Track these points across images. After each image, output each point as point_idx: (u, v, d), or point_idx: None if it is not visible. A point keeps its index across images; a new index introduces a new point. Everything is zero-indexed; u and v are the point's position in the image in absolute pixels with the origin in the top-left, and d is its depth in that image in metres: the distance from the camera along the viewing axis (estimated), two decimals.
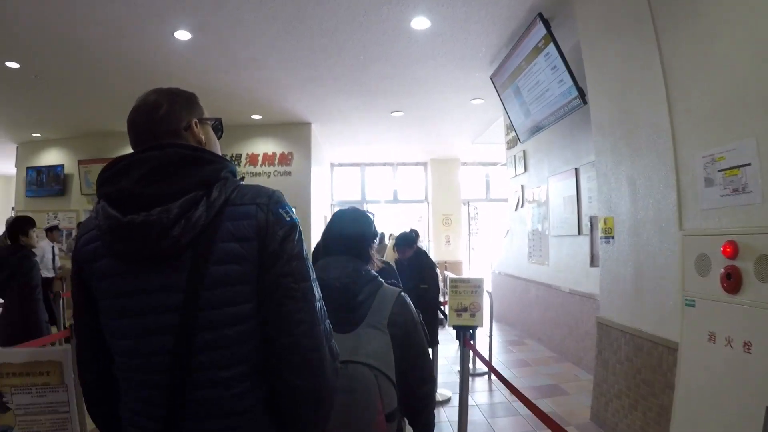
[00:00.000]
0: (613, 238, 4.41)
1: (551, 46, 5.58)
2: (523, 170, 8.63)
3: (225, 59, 6.98)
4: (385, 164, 15.93)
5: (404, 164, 16.00)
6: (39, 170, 11.77)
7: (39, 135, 11.43)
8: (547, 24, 5.57)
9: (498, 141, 11.64)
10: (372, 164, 15.94)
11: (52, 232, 8.71)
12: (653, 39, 3.76)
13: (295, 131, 10.98)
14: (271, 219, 1.26)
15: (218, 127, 1.53)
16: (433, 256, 14.24)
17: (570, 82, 5.48)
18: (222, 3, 5.41)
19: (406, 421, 1.96)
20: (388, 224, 15.46)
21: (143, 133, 1.32)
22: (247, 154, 10.99)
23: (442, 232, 15.14)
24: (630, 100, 4.14)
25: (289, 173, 10.93)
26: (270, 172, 10.92)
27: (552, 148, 7.38)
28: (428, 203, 15.76)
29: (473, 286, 4.00)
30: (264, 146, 11.03)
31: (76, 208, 11.58)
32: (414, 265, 5.44)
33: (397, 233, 6.13)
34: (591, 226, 4.87)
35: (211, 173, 1.25)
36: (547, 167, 7.55)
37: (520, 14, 5.74)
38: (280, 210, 1.29)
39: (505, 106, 7.37)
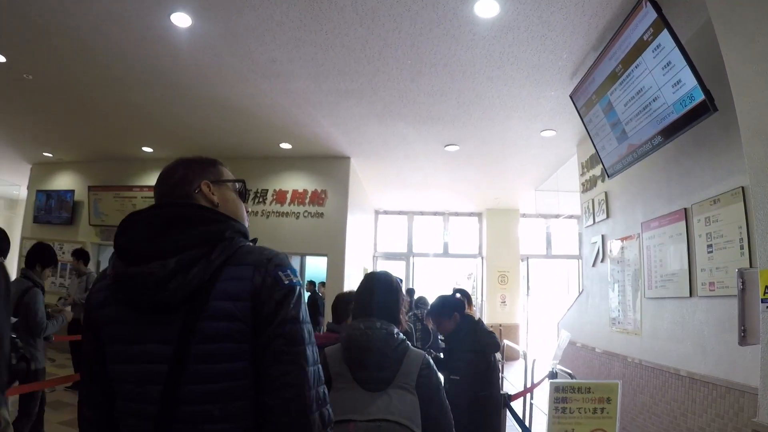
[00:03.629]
0: None
1: (664, 34, 4.11)
2: (604, 216, 7.02)
3: (238, 60, 5.71)
4: (435, 213, 14.57)
5: (457, 214, 14.59)
6: (49, 194, 10.85)
7: (51, 155, 10.54)
8: (657, 6, 4.11)
9: (564, 188, 10.17)
10: (421, 213, 14.60)
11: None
12: None
13: (332, 166, 9.62)
14: (267, 281, 1.30)
15: (242, 190, 1.60)
16: (486, 318, 12.59)
17: (693, 81, 3.99)
18: None
19: None
20: (438, 281, 14.02)
21: (160, 198, 1.45)
22: (274, 191, 9.67)
23: (497, 291, 13.44)
24: None
25: (321, 215, 9.53)
26: (299, 213, 9.55)
27: (647, 185, 5.79)
28: (482, 258, 14.18)
29: (598, 401, 2.30)
30: (294, 182, 9.70)
31: (83, 239, 10.48)
32: (460, 340, 3.70)
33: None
34: (743, 283, 3.25)
35: (213, 232, 1.33)
36: (641, 210, 5.94)
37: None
38: (279, 273, 1.32)
39: (590, 131, 5.86)
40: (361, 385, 1.93)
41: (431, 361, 2.07)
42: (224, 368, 1.24)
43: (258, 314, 1.27)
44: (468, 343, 3.60)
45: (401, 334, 2.07)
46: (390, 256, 14.57)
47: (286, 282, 1.31)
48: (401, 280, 2.35)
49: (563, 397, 2.35)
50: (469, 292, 13.66)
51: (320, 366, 1.36)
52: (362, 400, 1.88)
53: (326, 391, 1.35)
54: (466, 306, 3.88)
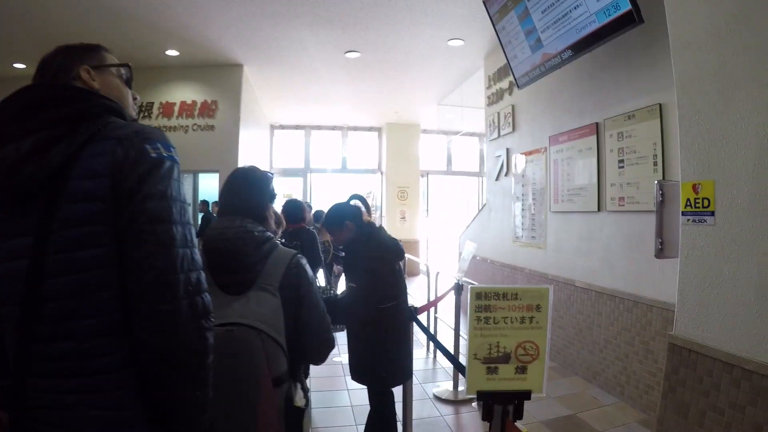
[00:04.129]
0: (712, 214, 2.75)
1: None
2: (510, 130, 6.94)
3: None
4: (333, 128, 14.06)
5: (356, 129, 14.17)
6: None
7: None
8: None
9: (468, 104, 10.02)
10: (319, 127, 14.03)
11: None
12: None
13: (223, 75, 8.84)
14: (131, 155, 1.17)
15: (127, 75, 1.49)
16: None
17: None
18: None
19: (299, 386, 1.87)
20: (337, 197, 13.73)
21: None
22: (161, 103, 8.80)
23: (397, 207, 13.40)
24: None
25: (212, 127, 8.83)
26: (188, 126, 8.79)
27: (557, 98, 5.70)
28: (382, 174, 13.99)
29: (526, 308, 2.01)
30: (182, 93, 8.86)
31: None
32: (359, 250, 3.29)
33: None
34: (662, 195, 3.20)
35: (79, 110, 1.21)
36: (549, 124, 5.87)
37: None
38: (147, 146, 1.20)
39: (501, 40, 5.64)
40: (222, 289, 1.76)
41: (302, 260, 1.92)
42: (87, 255, 1.12)
43: (118, 191, 1.15)
44: (367, 250, 3.23)
45: (267, 232, 1.92)
46: (287, 173, 14.07)
47: (153, 155, 1.19)
48: (272, 175, 2.10)
49: (486, 305, 1.93)
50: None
51: (195, 250, 1.25)
52: (218, 306, 1.64)
53: (202, 278, 1.24)
54: (364, 213, 3.52)
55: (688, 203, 2.91)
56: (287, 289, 1.81)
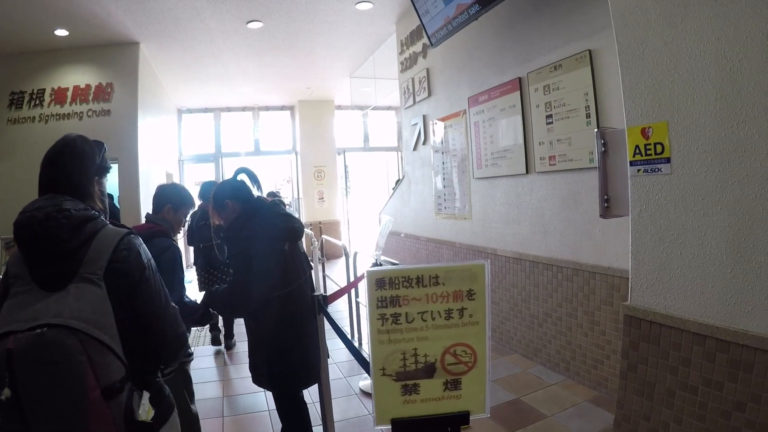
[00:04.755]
0: (668, 161, 2.35)
1: None
2: (425, 95, 6.48)
3: None
4: (244, 109, 13.22)
5: (267, 108, 13.39)
6: None
7: None
8: None
9: (381, 75, 9.53)
10: (228, 109, 13.16)
11: None
12: None
13: (118, 55, 7.88)
14: None
15: None
16: (305, 217, 11.92)
17: None
18: None
19: (145, 395, 1.55)
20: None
21: None
22: (53, 89, 7.75)
23: (315, 187, 12.77)
24: None
25: (108, 112, 7.85)
26: (82, 112, 7.78)
27: (474, 55, 5.27)
28: (297, 154, 13.31)
29: (454, 297, 1.36)
30: (75, 77, 7.83)
31: None
32: (242, 227, 2.76)
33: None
34: (605, 144, 2.79)
35: None
36: (467, 84, 5.43)
37: None
38: None
39: None
40: (40, 285, 1.44)
41: (135, 240, 1.62)
42: None
43: None
44: (245, 230, 2.70)
45: (90, 211, 1.58)
46: (198, 159, 13.22)
47: None
48: (104, 146, 1.80)
49: (393, 296, 1.35)
50: (288, 196, 12.37)
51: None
52: (31, 305, 1.41)
53: None
54: (254, 189, 2.94)
55: (638, 151, 2.51)
56: (116, 276, 1.49)
